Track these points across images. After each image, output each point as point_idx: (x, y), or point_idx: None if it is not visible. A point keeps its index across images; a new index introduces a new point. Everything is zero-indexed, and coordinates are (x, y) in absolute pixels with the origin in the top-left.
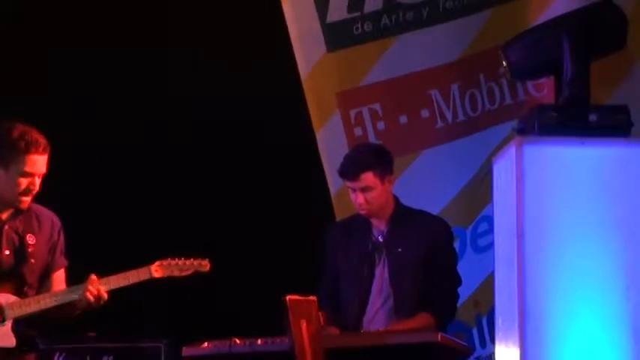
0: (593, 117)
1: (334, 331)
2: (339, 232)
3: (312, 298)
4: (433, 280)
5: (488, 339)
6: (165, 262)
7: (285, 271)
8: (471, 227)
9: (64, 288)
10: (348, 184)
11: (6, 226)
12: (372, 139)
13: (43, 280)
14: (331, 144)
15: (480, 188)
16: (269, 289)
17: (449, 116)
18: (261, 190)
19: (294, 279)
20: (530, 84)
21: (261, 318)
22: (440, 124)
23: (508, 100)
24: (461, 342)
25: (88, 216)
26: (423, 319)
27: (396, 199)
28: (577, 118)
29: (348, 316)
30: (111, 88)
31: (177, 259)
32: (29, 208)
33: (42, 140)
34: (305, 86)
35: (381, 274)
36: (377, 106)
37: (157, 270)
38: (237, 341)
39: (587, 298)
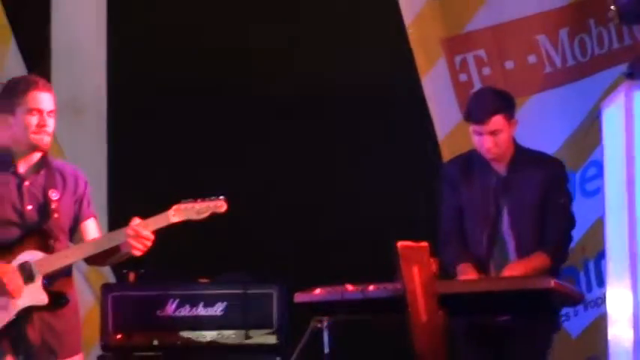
0: None
1: (468, 268)
2: (459, 168)
3: (424, 244)
4: (548, 221)
5: (594, 283)
6: (182, 206)
7: (394, 217)
8: (579, 171)
9: (101, 236)
10: (476, 127)
11: (26, 182)
12: (477, 84)
13: (73, 233)
14: (437, 90)
15: (588, 133)
16: (378, 236)
17: (557, 61)
18: (369, 137)
19: (403, 225)
20: (636, 28)
21: (372, 264)
22: (548, 69)
23: (615, 45)
24: (573, 288)
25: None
26: (539, 259)
27: (514, 141)
28: None
29: (476, 252)
30: None
31: (193, 202)
32: (51, 166)
33: (41, 79)
34: (409, 32)
35: (501, 217)
36: (481, 52)
37: (175, 214)
38: (349, 287)
39: None
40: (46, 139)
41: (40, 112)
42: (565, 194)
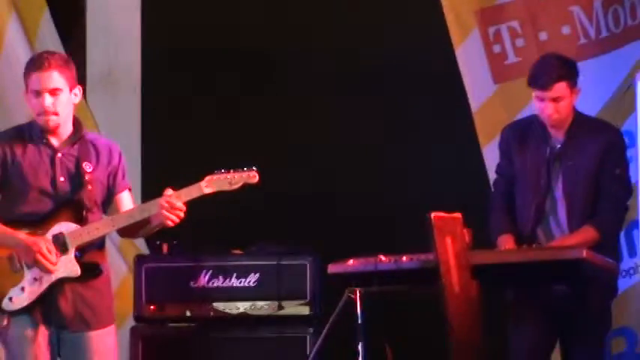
0: None
1: (508, 239)
2: (514, 135)
3: (457, 215)
4: (602, 191)
5: (625, 253)
6: (214, 177)
7: (426, 188)
8: None
9: (135, 207)
10: (539, 93)
11: (59, 154)
12: (511, 56)
13: (108, 205)
14: (471, 61)
15: (620, 103)
16: (413, 208)
17: (592, 32)
18: (403, 111)
19: (435, 196)
20: None
21: (406, 236)
22: (583, 40)
23: None
24: (607, 258)
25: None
26: (586, 233)
27: (574, 109)
28: None
29: (523, 221)
30: None
31: (225, 173)
32: (85, 138)
33: (49, 55)
34: (443, 3)
35: (556, 184)
36: (515, 24)
37: (207, 185)
38: (383, 258)
39: None
40: (52, 121)
41: (41, 93)
42: (622, 164)
